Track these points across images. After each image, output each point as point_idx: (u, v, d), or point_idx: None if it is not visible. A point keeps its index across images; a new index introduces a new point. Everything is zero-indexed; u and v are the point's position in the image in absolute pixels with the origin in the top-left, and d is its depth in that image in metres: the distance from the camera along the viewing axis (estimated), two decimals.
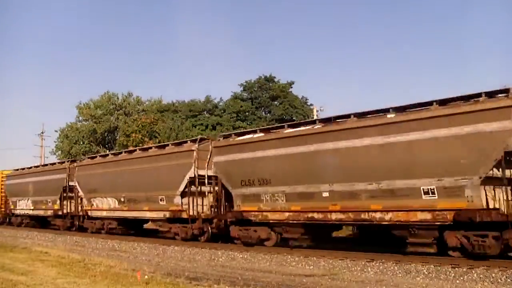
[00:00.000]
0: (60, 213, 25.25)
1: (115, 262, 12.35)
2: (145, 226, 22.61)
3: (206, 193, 17.40)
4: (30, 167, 30.34)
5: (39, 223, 28.57)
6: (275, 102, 43.85)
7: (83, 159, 25.40)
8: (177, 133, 38.56)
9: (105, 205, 21.77)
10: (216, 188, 16.71)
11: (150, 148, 20.60)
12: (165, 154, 18.74)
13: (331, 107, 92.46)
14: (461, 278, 9.51)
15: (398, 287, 9.01)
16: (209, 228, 17.22)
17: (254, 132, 16.01)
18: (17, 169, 31.92)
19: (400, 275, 10.19)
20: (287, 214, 14.07)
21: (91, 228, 23.11)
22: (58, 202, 25.25)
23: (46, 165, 29.35)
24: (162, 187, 18.25)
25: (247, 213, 15.19)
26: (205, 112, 44.62)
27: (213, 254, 14.39)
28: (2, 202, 32.98)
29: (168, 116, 43.79)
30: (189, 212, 17.21)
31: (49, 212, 26.31)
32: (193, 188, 17.16)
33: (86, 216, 23.45)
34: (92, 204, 22.62)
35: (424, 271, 10.24)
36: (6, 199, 32.46)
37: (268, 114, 43.76)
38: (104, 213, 21.98)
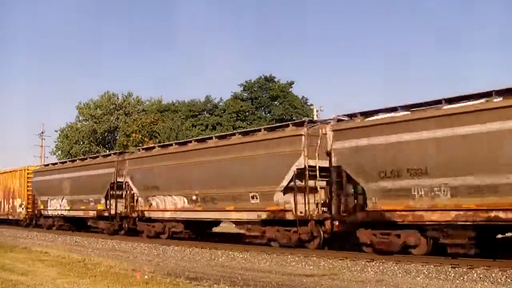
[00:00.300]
0: (106, 214, 21.63)
1: (115, 262, 12.35)
2: (215, 229, 19.95)
3: (318, 188, 14.00)
4: (65, 162, 27.12)
5: (75, 225, 25.40)
6: (275, 102, 43.96)
7: (135, 151, 21.78)
8: (177, 133, 38.62)
9: (169, 205, 18.28)
10: (331, 181, 13.60)
11: (233, 134, 16.82)
12: (259, 141, 15.27)
13: (331, 107, 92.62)
14: (461, 278, 9.51)
15: (398, 287, 9.00)
16: (321, 232, 14.00)
17: (393, 110, 12.46)
18: (47, 164, 29.01)
19: (400, 275, 10.18)
20: (453, 213, 11.03)
21: (147, 231, 19.58)
22: (103, 201, 21.72)
23: (86, 158, 25.51)
24: (254, 182, 14.89)
25: (390, 213, 12.01)
26: (205, 112, 44.73)
27: (213, 254, 14.39)
28: (29, 202, 29.05)
29: (168, 116, 43.85)
30: (295, 212, 13.95)
31: (91, 213, 22.72)
32: (299, 183, 13.87)
33: (139, 218, 19.98)
34: (151, 204, 19.06)
35: (424, 271, 10.24)
36: (34, 198, 28.67)
37: (268, 114, 43.86)
38: (168, 214, 18.41)
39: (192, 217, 17.61)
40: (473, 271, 9.79)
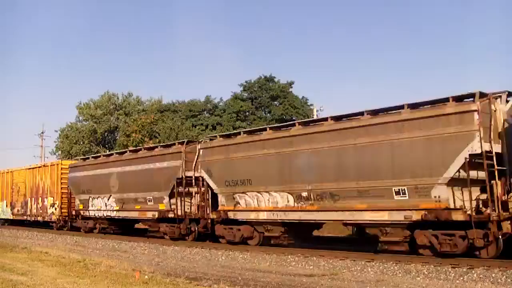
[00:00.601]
0: (170, 215, 17.90)
1: (115, 262, 12.36)
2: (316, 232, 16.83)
3: (496, 181, 10.99)
4: (111, 154, 22.92)
5: (123, 228, 22.23)
6: (275, 102, 43.98)
7: (209, 139, 17.61)
8: (177, 133, 38.61)
9: (265, 203, 14.82)
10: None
11: (361, 114, 13.07)
12: (403, 121, 12.03)
13: (331, 107, 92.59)
14: (461, 278, 9.51)
15: (398, 287, 9.01)
16: (500, 238, 10.87)
17: None
18: (87, 158, 24.78)
19: (400, 275, 10.19)
20: None
21: (229, 236, 15.96)
22: (166, 200, 18.03)
23: (140, 149, 21.09)
24: (400, 173, 11.86)
25: None
26: (205, 112, 44.78)
27: (213, 254, 14.39)
28: (64, 201, 25.08)
29: (168, 116, 43.87)
30: (469, 211, 11.03)
31: (150, 214, 18.98)
32: (467, 173, 10.92)
33: (220, 220, 16.27)
34: (237, 203, 15.62)
35: (424, 271, 10.25)
36: (70, 197, 24.81)
37: (268, 114, 43.88)
38: (263, 215, 14.87)
39: (302, 218, 14.04)
40: (473, 271, 9.79)
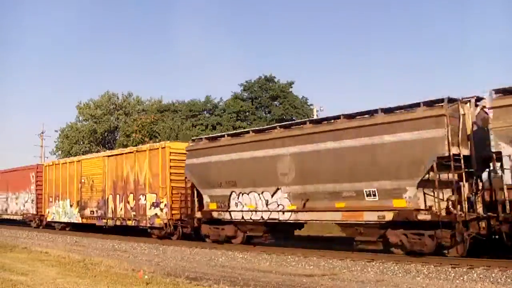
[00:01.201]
0: (423, 217, 11.31)
1: (115, 262, 12.37)
2: None
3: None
4: (271, 127, 15.47)
5: (282, 235, 16.12)
6: (275, 102, 43.99)
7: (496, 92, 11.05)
8: (177, 133, 38.61)
9: None
10: None
11: None
12: None
13: (331, 107, 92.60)
14: (461, 278, 9.51)
15: (398, 287, 9.02)
16: None
17: None
18: (214, 137, 17.11)
19: (400, 275, 10.20)
20: None
21: None
22: (410, 192, 11.49)
23: (336, 117, 13.52)
24: None
25: None
26: (205, 112, 44.77)
27: (213, 254, 14.39)
28: (175, 200, 18.31)
29: (168, 116, 43.86)
30: None
31: (372, 216, 12.15)
32: None
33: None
34: None
35: (424, 271, 10.25)
36: (189, 193, 17.83)
37: (268, 114, 43.88)
38: None
39: None
40: (473, 271, 9.80)
